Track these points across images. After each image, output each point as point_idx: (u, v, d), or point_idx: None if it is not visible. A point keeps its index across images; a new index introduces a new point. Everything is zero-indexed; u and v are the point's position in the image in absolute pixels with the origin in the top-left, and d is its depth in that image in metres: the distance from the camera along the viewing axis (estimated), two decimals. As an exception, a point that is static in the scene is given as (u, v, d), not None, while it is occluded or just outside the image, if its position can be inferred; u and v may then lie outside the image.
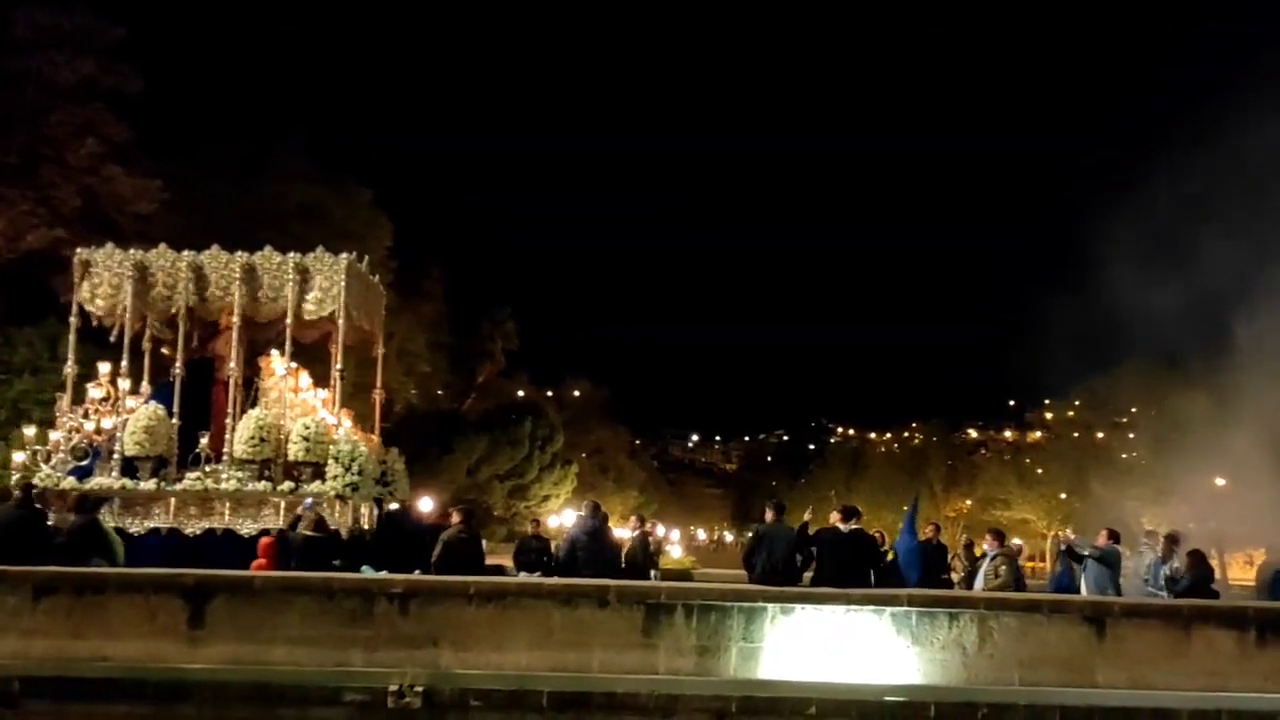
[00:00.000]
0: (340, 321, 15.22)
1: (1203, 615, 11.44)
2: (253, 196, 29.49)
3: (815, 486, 78.97)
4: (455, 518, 13.44)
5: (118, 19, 26.71)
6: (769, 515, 13.22)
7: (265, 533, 13.72)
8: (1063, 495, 56.26)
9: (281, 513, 14.22)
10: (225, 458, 14.57)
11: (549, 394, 58.18)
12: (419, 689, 10.28)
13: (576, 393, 63.23)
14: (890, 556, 15.13)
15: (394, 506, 16.12)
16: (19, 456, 14.93)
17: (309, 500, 13.80)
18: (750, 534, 13.79)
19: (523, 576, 13.82)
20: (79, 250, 15.45)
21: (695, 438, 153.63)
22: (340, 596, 11.06)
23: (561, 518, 44.13)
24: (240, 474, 14.33)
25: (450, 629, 10.95)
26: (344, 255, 15.36)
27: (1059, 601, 11.89)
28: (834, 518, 13.37)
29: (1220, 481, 43.66)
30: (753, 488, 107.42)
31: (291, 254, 15.21)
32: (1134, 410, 52.01)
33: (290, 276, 15.01)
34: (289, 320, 15.01)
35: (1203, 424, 40.92)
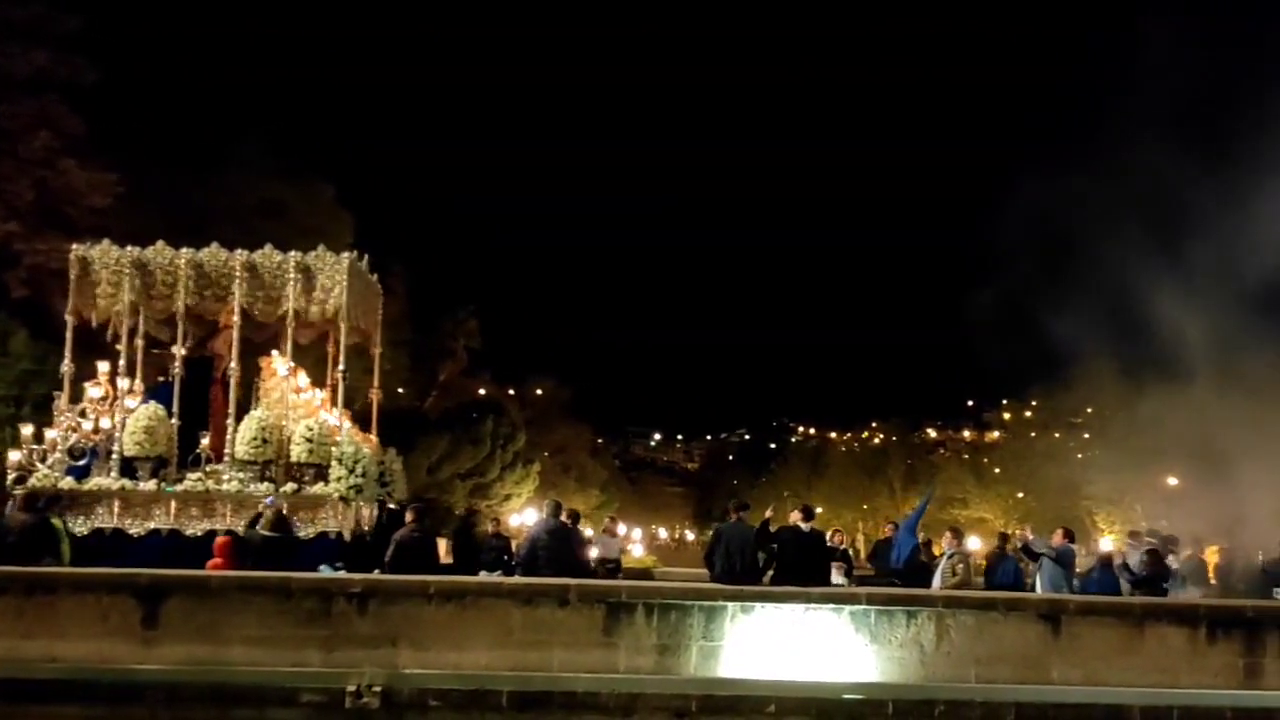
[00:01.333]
0: (343, 322, 15.05)
1: (1155, 613, 11.63)
2: (211, 191, 29.09)
3: (776, 485, 79.46)
4: (409, 516, 13.39)
5: (73, 9, 26.24)
6: (731, 514, 13.27)
7: (230, 533, 13.51)
8: (1020, 494, 56.90)
9: (284, 514, 13.92)
10: (226, 458, 14.39)
11: (511, 393, 57.96)
12: (377, 689, 10.22)
13: (539, 391, 63.04)
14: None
15: (392, 507, 16.01)
16: (14, 455, 14.63)
17: (270, 498, 13.65)
18: (711, 533, 13.85)
19: (483, 575, 13.79)
20: (75, 247, 15.14)
21: (657, 437, 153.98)
22: (298, 596, 10.97)
23: (523, 517, 43.99)
24: (242, 475, 14.15)
25: (409, 628, 10.90)
26: (346, 255, 15.20)
27: (1015, 600, 12.04)
28: (794, 517, 13.46)
29: (1173, 481, 44.39)
30: (714, 487, 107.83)
31: (293, 252, 15.01)
32: (1089, 411, 52.70)
33: (292, 275, 14.81)
34: (290, 320, 14.83)
35: (1155, 424, 41.56)
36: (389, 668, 10.61)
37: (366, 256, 15.76)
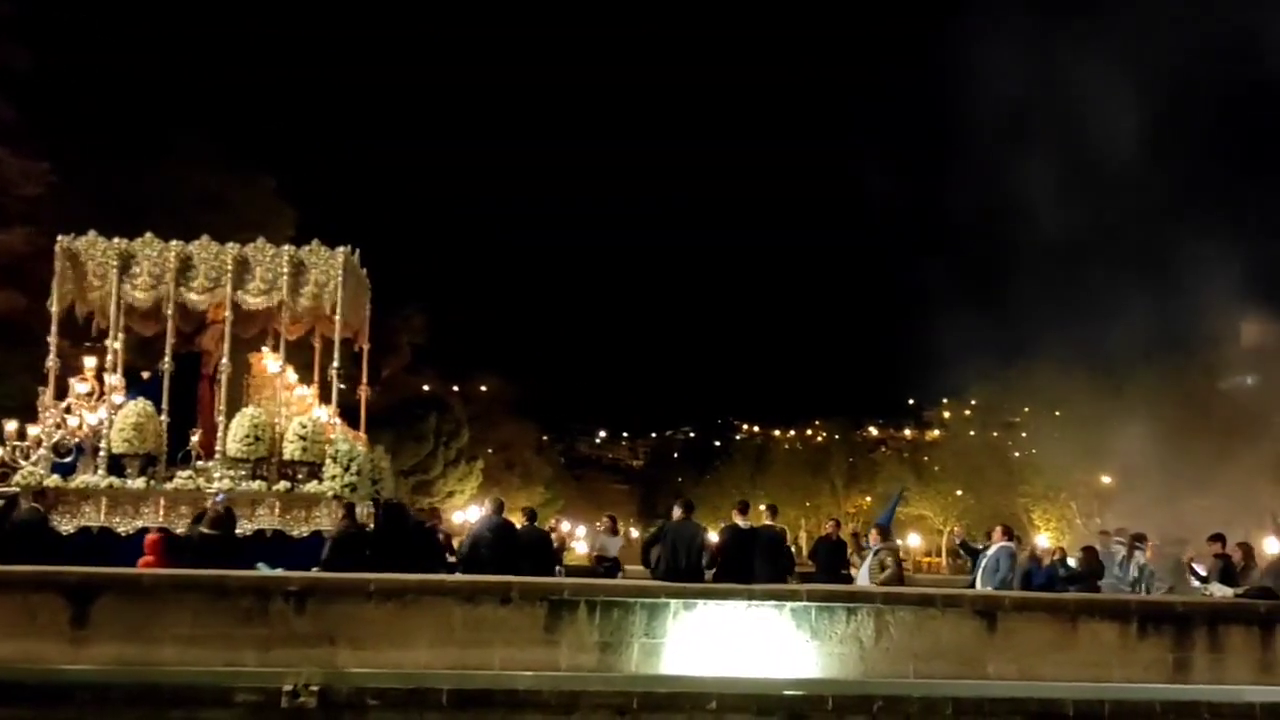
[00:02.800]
0: (337, 317, 14.77)
1: (1088, 609, 11.87)
2: (148, 182, 28.56)
3: (721, 483, 79.72)
4: (341, 513, 13.27)
5: (4, -7, 25.54)
6: (676, 512, 13.28)
7: (163, 530, 13.27)
8: (959, 492, 57.78)
9: (277, 512, 13.80)
10: (217, 456, 14.10)
11: (455, 389, 57.56)
12: (314, 688, 10.08)
13: (484, 388, 62.69)
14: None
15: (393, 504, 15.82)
16: None
17: (220, 495, 13.43)
18: (654, 530, 13.85)
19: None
20: (60, 238, 14.68)
21: (603, 434, 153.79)
22: (234, 595, 10.79)
23: (466, 514, 43.74)
24: (233, 473, 13.89)
25: (348, 627, 10.76)
26: (340, 249, 14.91)
27: (952, 596, 12.20)
28: (734, 514, 13.52)
29: (1106, 480, 45.40)
30: (659, 484, 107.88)
31: (286, 246, 14.76)
32: (1026, 410, 53.68)
33: (284, 269, 14.53)
34: (283, 314, 14.55)
35: (1090, 424, 42.53)
36: (327, 667, 10.47)
37: (358, 251, 15.50)
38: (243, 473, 13.89)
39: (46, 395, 14.34)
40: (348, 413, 16.20)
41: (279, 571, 11.91)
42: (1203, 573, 13.93)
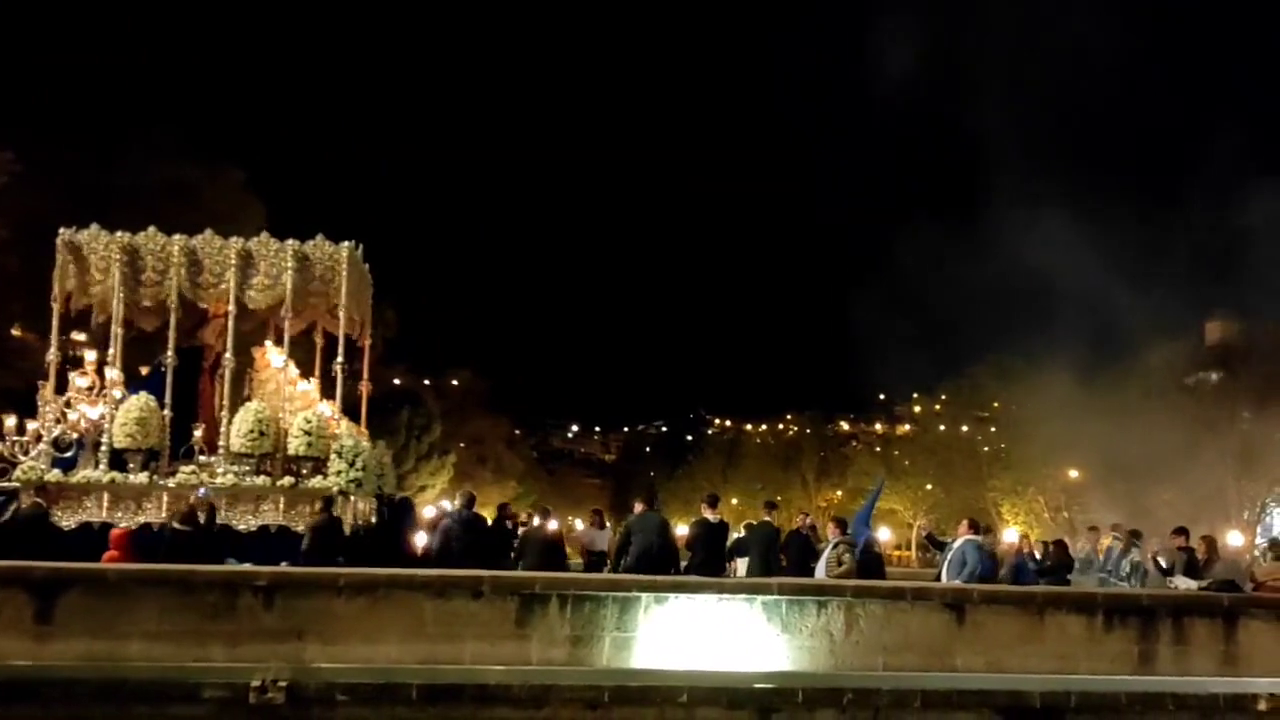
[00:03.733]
0: (341, 313, 14.74)
1: (1055, 601, 11.98)
2: (115, 172, 28.24)
3: (693, 477, 79.86)
4: (318, 504, 13.20)
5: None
6: (638, 506, 13.34)
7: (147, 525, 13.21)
8: (929, 486, 58.19)
9: (281, 508, 13.72)
10: (220, 451, 14.00)
11: (427, 383, 57.30)
12: (283, 684, 9.99)
13: (456, 382, 62.47)
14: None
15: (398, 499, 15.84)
16: None
17: (202, 490, 13.36)
18: (622, 529, 13.95)
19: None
20: (63, 231, 14.53)
21: (575, 428, 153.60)
22: (201, 590, 10.68)
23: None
24: (237, 468, 13.80)
25: (318, 622, 10.69)
26: (345, 244, 14.83)
27: (922, 589, 12.28)
28: (703, 508, 13.55)
29: (1074, 474, 45.88)
30: (631, 478, 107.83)
31: (290, 241, 14.64)
32: (996, 405, 54.14)
33: (289, 264, 14.44)
34: (287, 310, 14.47)
35: (1057, 419, 42.96)
36: (296, 662, 10.39)
37: (361, 246, 15.42)
38: (246, 468, 13.86)
39: (47, 389, 14.20)
40: (345, 408, 16.18)
41: (247, 566, 11.82)
42: (1165, 566, 14.11)
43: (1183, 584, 13.28)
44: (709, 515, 13.19)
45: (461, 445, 56.05)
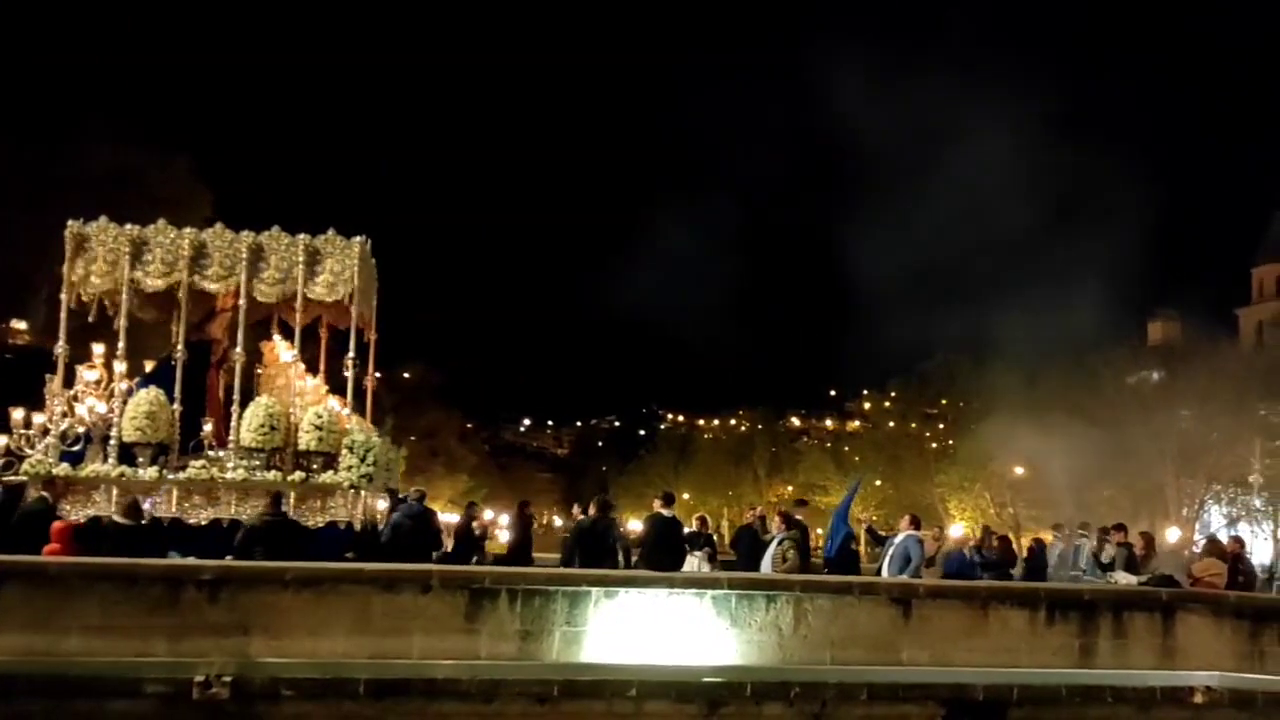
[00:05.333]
0: (353, 308, 14.67)
1: (999, 596, 12.16)
2: (60, 160, 27.71)
3: (645, 472, 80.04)
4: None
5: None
6: (591, 509, 13.41)
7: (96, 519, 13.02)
8: (878, 482, 58.82)
9: (291, 503, 13.62)
10: (230, 445, 13.87)
11: (379, 376, 56.86)
12: (227, 679, 9.85)
13: (408, 375, 62.00)
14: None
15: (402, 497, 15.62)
16: (1, 440, 13.85)
17: (149, 501, 13.19)
18: (572, 531, 14.01)
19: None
20: (70, 223, 14.31)
21: (527, 422, 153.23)
22: (144, 584, 10.49)
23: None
24: (247, 463, 13.70)
25: (263, 616, 10.55)
26: (357, 239, 14.75)
27: (869, 584, 12.42)
28: (656, 504, 13.61)
29: (1019, 471, 46.63)
30: (584, 472, 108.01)
31: (302, 235, 14.52)
32: (944, 403, 54.88)
33: (299, 258, 14.35)
34: (300, 304, 14.39)
35: (1004, 417, 43.61)
36: (241, 657, 10.24)
37: (370, 240, 15.31)
38: (257, 463, 13.77)
39: (55, 383, 13.99)
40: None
41: (191, 560, 11.66)
42: (1105, 561, 14.42)
43: (1123, 579, 13.57)
44: (663, 511, 13.25)
45: (413, 439, 55.58)
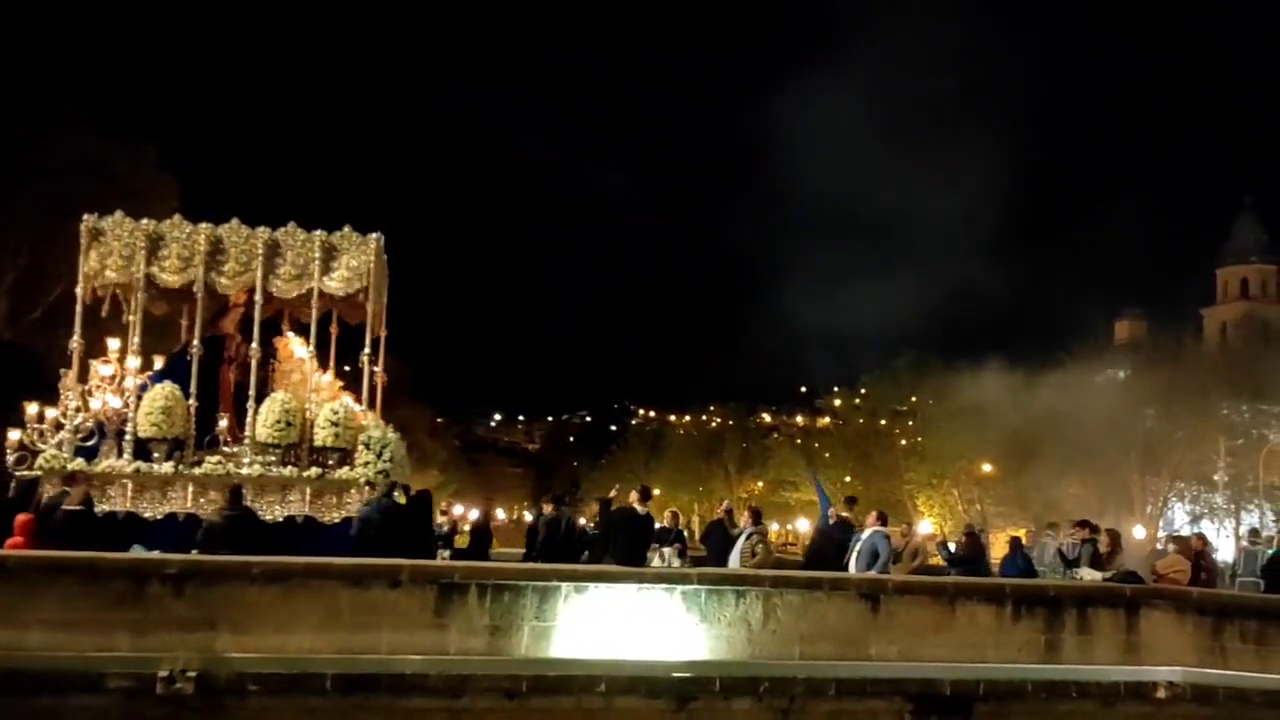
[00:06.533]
0: (370, 304, 14.67)
1: (966, 592, 12.24)
2: (22, 148, 27.31)
3: (616, 467, 79.98)
4: (225, 496, 13.00)
5: None
6: (547, 508, 13.47)
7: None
8: (847, 478, 59.06)
9: (308, 498, 13.57)
10: (245, 441, 13.81)
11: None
12: (191, 674, 9.75)
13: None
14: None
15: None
16: (14, 434, 13.70)
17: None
18: (538, 526, 14.04)
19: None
20: (86, 217, 14.14)
21: (498, 417, 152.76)
22: (107, 577, 10.36)
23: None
24: (263, 458, 13.66)
25: (229, 611, 10.44)
26: (373, 235, 14.70)
27: (839, 579, 12.44)
28: (632, 497, 13.59)
29: (987, 468, 47.01)
30: (555, 468, 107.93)
31: (318, 231, 14.47)
32: (914, 400, 55.16)
33: (316, 254, 14.30)
34: (315, 300, 14.36)
35: (971, 415, 43.96)
36: (206, 652, 10.13)
37: (383, 238, 15.20)
38: (272, 458, 13.72)
39: (69, 377, 13.85)
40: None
41: (155, 554, 11.52)
42: (1071, 557, 14.55)
43: (1087, 575, 13.68)
44: (638, 507, 13.24)
45: (383, 433, 55.32)
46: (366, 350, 14.89)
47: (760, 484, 70.53)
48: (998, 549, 23.76)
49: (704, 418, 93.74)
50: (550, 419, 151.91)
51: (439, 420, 79.24)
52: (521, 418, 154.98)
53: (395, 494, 13.97)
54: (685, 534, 17.33)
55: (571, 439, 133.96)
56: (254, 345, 14.26)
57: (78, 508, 12.26)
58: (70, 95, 30.18)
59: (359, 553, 12.53)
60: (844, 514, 15.89)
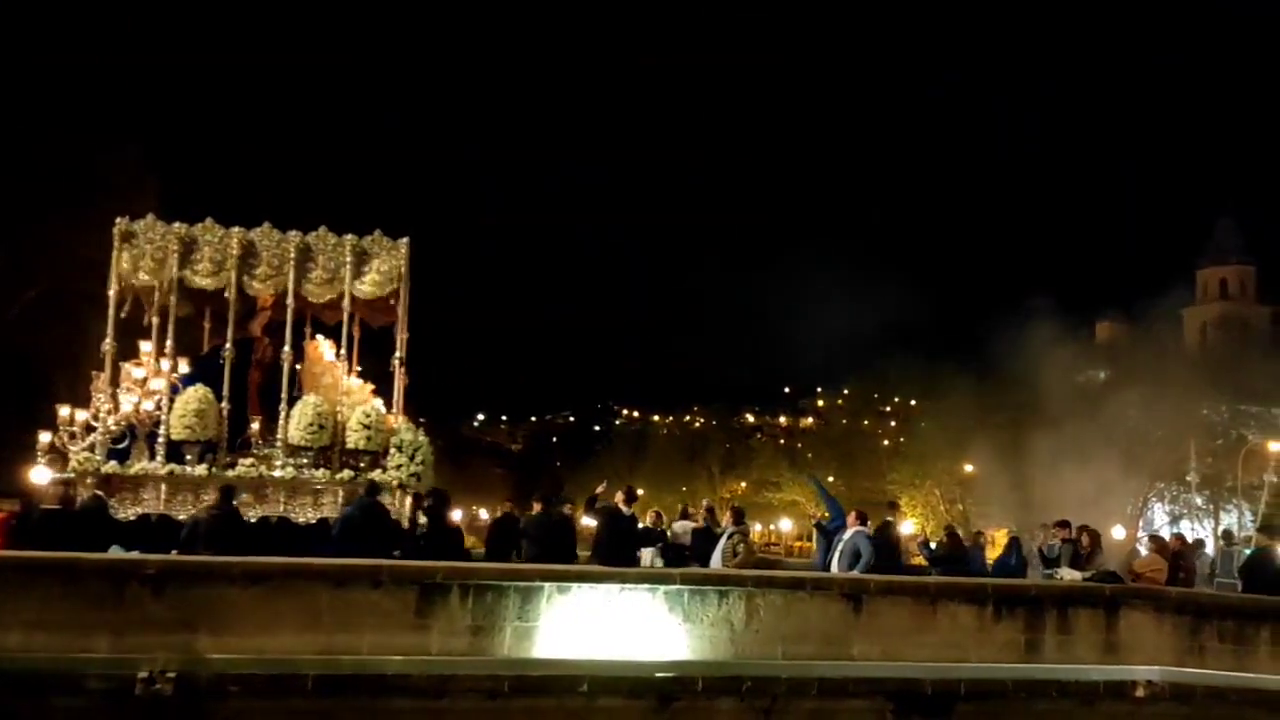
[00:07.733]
0: (400, 308, 14.77)
1: (948, 592, 12.29)
2: (5, 145, 27.11)
3: (600, 468, 79.91)
4: (214, 495, 12.95)
5: None
6: (535, 505, 13.47)
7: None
8: (830, 478, 59.25)
9: (339, 501, 13.61)
10: (278, 443, 13.84)
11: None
12: (171, 675, 9.69)
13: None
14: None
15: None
16: (45, 437, 13.66)
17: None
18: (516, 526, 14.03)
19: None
20: (119, 220, 14.15)
21: (481, 417, 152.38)
22: (86, 578, 10.29)
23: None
24: (295, 461, 13.72)
25: (210, 612, 10.38)
26: (403, 240, 14.77)
27: (821, 579, 12.49)
28: (618, 498, 13.59)
29: (969, 468, 47.23)
30: (538, 468, 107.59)
31: (348, 235, 14.54)
32: (896, 400, 55.40)
33: (347, 258, 14.38)
34: (345, 303, 14.47)
35: (955, 415, 44.15)
36: (186, 653, 10.07)
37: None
38: (305, 461, 13.75)
39: (101, 379, 13.84)
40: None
41: (135, 554, 11.45)
42: (1051, 557, 14.62)
43: (1067, 575, 13.76)
44: (623, 508, 13.24)
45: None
46: (397, 354, 14.97)
47: (743, 484, 70.61)
48: (998, 548, 23.85)
49: (687, 418, 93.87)
50: (533, 419, 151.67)
51: (422, 420, 79.06)
52: (505, 418, 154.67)
53: (382, 493, 13.96)
54: (668, 534, 17.33)
55: (555, 439, 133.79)
56: (286, 348, 14.30)
57: (55, 507, 12.20)
58: (53, 94, 29.99)
59: (340, 553, 12.50)
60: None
